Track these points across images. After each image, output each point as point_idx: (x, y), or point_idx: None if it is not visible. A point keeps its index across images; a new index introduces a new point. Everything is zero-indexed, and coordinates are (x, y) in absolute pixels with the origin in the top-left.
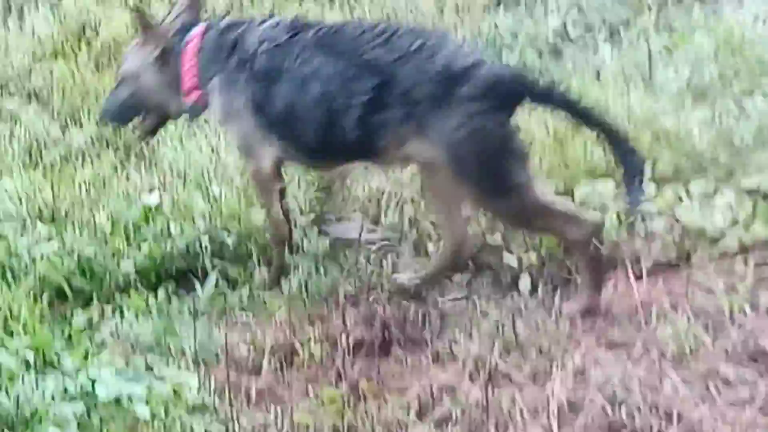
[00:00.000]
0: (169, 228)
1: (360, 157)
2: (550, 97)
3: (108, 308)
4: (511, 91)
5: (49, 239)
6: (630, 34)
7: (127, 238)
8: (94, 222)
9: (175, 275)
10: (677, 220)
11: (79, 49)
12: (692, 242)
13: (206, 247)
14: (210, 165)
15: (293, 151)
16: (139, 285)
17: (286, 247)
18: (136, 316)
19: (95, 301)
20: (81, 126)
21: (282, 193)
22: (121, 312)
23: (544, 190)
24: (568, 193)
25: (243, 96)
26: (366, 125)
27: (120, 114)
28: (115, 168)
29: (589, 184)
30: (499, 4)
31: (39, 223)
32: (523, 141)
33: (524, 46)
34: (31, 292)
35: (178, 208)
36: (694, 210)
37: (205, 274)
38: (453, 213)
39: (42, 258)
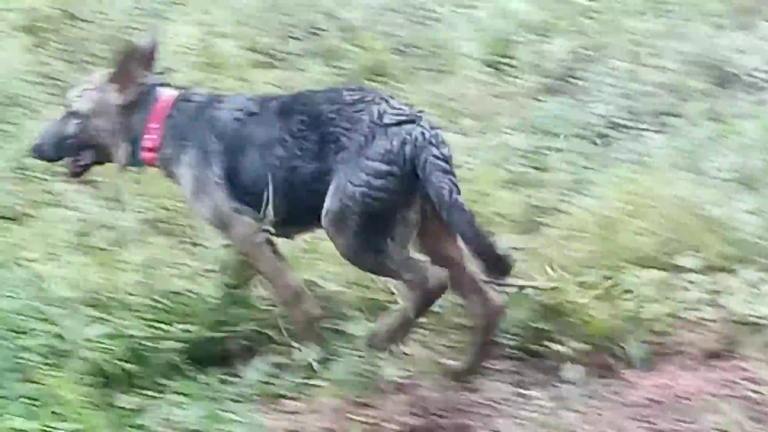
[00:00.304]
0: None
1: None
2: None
3: (155, 392)
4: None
5: (97, 322)
6: (677, 121)
7: (175, 321)
8: (142, 305)
9: (223, 358)
10: (725, 309)
11: None
12: (740, 331)
13: (254, 331)
14: None
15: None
16: (186, 368)
17: (315, 320)
18: (183, 400)
19: (142, 385)
20: (128, 209)
21: (277, 254)
22: (168, 396)
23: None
24: (615, 280)
25: (217, 168)
26: (317, 176)
27: (57, 150)
28: (164, 251)
29: (635, 273)
30: (545, 91)
31: (87, 307)
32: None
33: (571, 134)
34: (79, 376)
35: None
36: (741, 298)
37: (252, 358)
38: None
39: (90, 341)
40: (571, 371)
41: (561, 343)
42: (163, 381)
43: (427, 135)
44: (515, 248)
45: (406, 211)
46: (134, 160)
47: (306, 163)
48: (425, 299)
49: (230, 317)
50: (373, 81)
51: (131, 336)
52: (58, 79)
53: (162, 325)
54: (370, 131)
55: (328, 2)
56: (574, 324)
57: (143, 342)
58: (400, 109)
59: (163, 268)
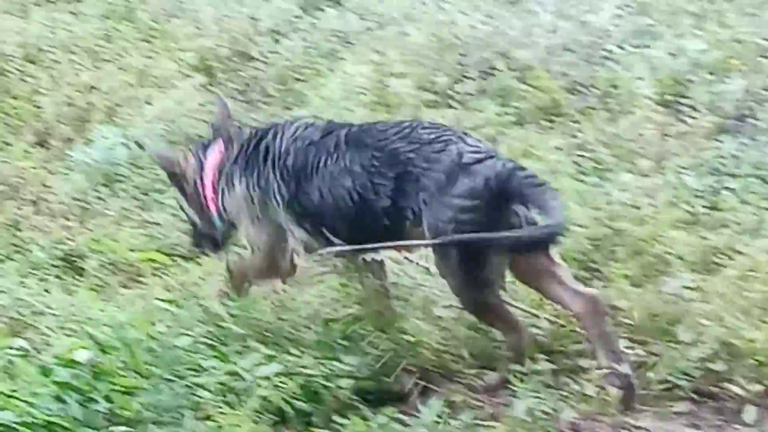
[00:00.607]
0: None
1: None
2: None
3: (329, 431)
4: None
5: (271, 360)
6: None
7: (347, 358)
8: (314, 341)
9: (398, 397)
10: None
11: None
12: None
13: (427, 369)
14: (431, 286)
15: (324, 242)
16: (360, 406)
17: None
18: None
19: (317, 424)
20: None
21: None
22: None
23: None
24: None
25: (272, 192)
26: (391, 212)
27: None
28: (332, 289)
29: None
30: (722, 131)
31: (260, 344)
32: None
33: (748, 174)
34: (254, 414)
35: (396, 328)
36: None
37: (427, 395)
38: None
39: (264, 379)
40: (749, 413)
41: (738, 384)
42: (338, 419)
43: (509, 165)
44: (691, 288)
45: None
46: (218, 222)
47: (378, 198)
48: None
49: (402, 353)
50: (547, 121)
51: (304, 373)
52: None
53: (334, 362)
54: (452, 171)
55: (503, 42)
56: (752, 365)
57: (316, 379)
58: (477, 146)
59: (334, 305)
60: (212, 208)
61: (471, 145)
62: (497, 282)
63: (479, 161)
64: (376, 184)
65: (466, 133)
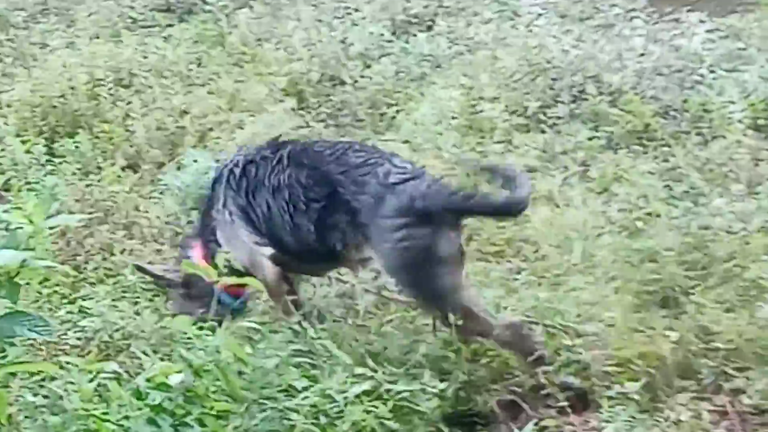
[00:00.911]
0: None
1: (328, 261)
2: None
3: None
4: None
5: (363, 380)
6: None
7: (437, 379)
8: (404, 362)
9: (488, 420)
10: None
11: None
12: None
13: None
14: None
15: (282, 257)
16: (449, 429)
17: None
18: None
19: None
20: None
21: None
22: None
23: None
24: None
25: (234, 212)
26: (319, 230)
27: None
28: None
29: None
30: None
31: (350, 364)
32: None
33: None
34: None
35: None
36: None
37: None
38: None
39: (356, 399)
40: None
41: None
42: None
43: (433, 186)
44: None
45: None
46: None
47: (309, 214)
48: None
49: (492, 375)
50: (639, 145)
51: (395, 394)
52: None
53: (425, 384)
54: (379, 193)
55: (594, 66)
56: None
57: (407, 400)
58: (404, 167)
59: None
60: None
61: (398, 166)
62: (460, 286)
63: (405, 181)
64: (308, 201)
65: (394, 155)
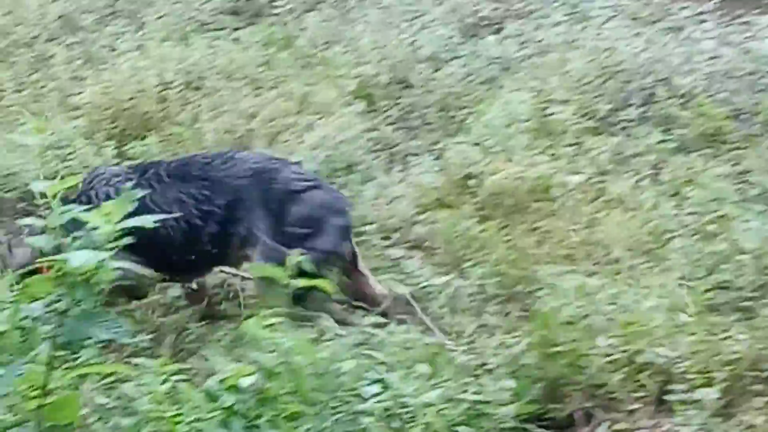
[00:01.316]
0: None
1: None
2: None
3: None
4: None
5: (435, 385)
6: None
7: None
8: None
9: (562, 424)
10: None
11: (463, 199)
12: None
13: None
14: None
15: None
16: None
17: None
18: None
19: None
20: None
21: None
22: None
23: None
24: None
25: None
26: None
27: None
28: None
29: None
30: None
31: (424, 368)
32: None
33: None
34: None
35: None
36: None
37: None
38: None
39: (427, 404)
40: None
41: None
42: None
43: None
44: None
45: None
46: None
47: (207, 224)
48: None
49: (567, 379)
50: (710, 148)
51: (467, 400)
52: (392, 146)
53: (497, 386)
54: (281, 199)
55: (664, 69)
56: None
57: (480, 405)
58: (303, 174)
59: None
60: None
61: (297, 173)
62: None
63: (306, 189)
64: (205, 212)
65: (295, 162)
